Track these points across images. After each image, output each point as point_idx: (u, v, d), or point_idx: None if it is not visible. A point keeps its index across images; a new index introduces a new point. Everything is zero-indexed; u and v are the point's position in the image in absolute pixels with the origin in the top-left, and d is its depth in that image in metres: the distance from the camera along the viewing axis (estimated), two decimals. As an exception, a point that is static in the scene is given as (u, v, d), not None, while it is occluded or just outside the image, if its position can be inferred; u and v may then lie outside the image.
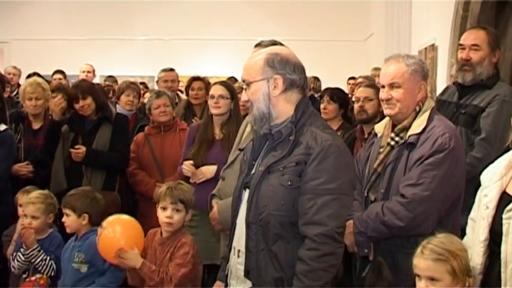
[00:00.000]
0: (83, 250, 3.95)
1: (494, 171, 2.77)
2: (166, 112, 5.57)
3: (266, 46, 3.22)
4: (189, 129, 5.19)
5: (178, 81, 7.23)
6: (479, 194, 2.83)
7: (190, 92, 6.64)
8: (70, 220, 4.04)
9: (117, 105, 6.28)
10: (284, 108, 2.83)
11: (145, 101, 6.87)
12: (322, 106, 5.41)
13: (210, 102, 4.80)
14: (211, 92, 4.84)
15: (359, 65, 11.07)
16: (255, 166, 2.91)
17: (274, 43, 3.37)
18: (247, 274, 2.83)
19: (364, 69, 9.59)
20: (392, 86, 3.29)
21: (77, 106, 5.23)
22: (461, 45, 4.22)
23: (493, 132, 3.92)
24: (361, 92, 5.04)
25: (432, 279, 2.61)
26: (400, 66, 3.27)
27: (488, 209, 2.70)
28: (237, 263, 2.91)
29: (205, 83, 6.71)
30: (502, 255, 2.57)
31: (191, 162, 4.69)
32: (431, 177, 3.08)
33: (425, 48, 7.96)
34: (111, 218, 3.69)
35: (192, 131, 5.03)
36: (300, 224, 2.71)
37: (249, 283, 2.84)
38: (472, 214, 2.90)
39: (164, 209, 3.67)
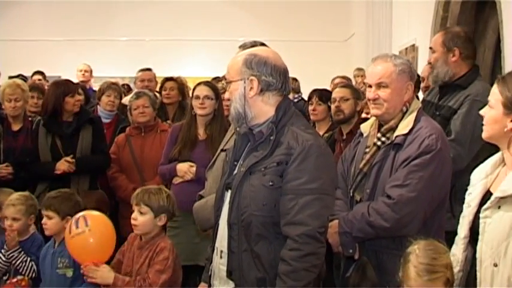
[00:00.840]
0: (66, 254, 3.89)
1: (481, 170, 2.77)
2: (145, 113, 5.53)
3: (250, 47, 3.21)
4: (172, 128, 5.16)
5: (156, 82, 7.18)
6: (467, 192, 2.84)
7: (162, 92, 6.65)
8: (52, 223, 3.98)
9: (98, 106, 6.21)
10: (262, 109, 2.83)
11: (127, 99, 6.85)
12: (311, 108, 5.39)
13: (195, 102, 4.78)
14: (196, 93, 4.82)
15: (340, 65, 11.09)
16: (237, 167, 2.91)
17: (261, 44, 3.35)
18: (229, 275, 2.82)
19: (345, 70, 9.61)
20: (379, 85, 3.28)
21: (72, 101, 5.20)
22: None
23: (461, 133, 3.90)
24: (337, 93, 5.04)
25: None
26: (388, 66, 3.26)
27: (470, 207, 2.71)
28: (219, 264, 2.91)
29: (178, 83, 6.71)
30: (477, 254, 2.58)
31: (191, 164, 4.69)
32: (418, 178, 3.07)
33: (406, 49, 8.01)
34: (94, 221, 3.64)
35: (175, 130, 5.01)
36: (282, 224, 2.71)
37: (232, 284, 2.83)
38: (464, 212, 2.90)
39: (133, 210, 3.70)
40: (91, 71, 9.11)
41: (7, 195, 4.45)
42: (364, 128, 3.51)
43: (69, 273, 3.89)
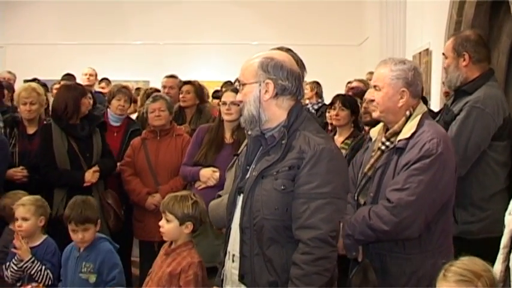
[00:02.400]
0: (91, 259, 3.94)
1: None
2: (161, 116, 5.56)
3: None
4: (198, 129, 5.22)
5: (179, 88, 7.19)
6: None
7: (180, 95, 6.71)
8: (90, 233, 4.02)
9: (108, 110, 6.21)
10: (275, 112, 2.84)
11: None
12: (333, 113, 5.37)
13: (222, 108, 4.89)
14: (223, 99, 4.93)
15: (353, 70, 11.06)
16: (249, 171, 2.92)
17: (288, 50, 3.35)
18: (241, 278, 2.83)
19: (358, 74, 9.58)
20: (375, 87, 3.35)
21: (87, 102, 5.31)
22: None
23: (456, 140, 3.82)
24: (367, 94, 4.99)
25: None
26: (385, 70, 3.30)
27: (511, 215, 2.66)
28: (231, 268, 2.92)
29: (195, 87, 6.78)
30: (511, 264, 2.53)
31: (214, 169, 4.72)
32: (417, 182, 3.08)
33: (420, 53, 7.97)
34: None
35: (201, 131, 5.08)
36: (294, 228, 2.72)
37: (244, 287, 2.84)
38: (510, 208, 2.84)
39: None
40: (96, 75, 9.14)
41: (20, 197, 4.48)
42: (373, 132, 3.55)
43: (92, 279, 3.92)
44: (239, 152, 3.71)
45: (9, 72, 8.95)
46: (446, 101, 4.50)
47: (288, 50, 3.36)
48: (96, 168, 5.17)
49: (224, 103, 4.88)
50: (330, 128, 5.91)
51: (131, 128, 6.08)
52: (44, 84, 7.32)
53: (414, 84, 3.29)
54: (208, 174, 4.77)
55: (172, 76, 7.29)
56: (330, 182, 2.71)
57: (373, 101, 3.40)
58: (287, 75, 2.82)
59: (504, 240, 2.65)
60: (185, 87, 6.71)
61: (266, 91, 2.82)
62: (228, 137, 4.90)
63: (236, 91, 4.82)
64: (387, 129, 3.37)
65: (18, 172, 5.24)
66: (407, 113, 3.28)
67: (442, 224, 3.22)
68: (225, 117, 4.88)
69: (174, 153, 5.48)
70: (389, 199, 3.11)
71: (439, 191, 3.14)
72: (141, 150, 5.55)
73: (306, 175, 2.71)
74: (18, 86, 6.49)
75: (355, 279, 3.28)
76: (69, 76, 8.81)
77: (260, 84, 2.82)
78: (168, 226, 3.64)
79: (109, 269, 3.91)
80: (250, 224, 2.79)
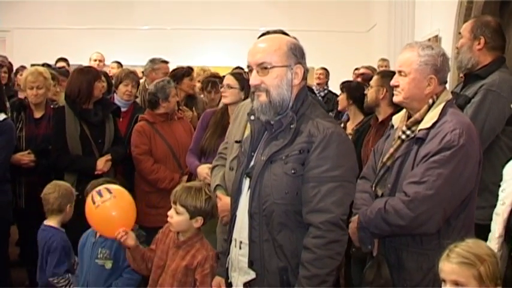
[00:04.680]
0: (107, 246, 3.91)
1: None
2: (177, 101, 5.70)
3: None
4: (204, 114, 5.20)
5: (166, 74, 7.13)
6: (500, 189, 2.75)
7: (187, 81, 6.63)
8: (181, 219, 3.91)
9: (115, 95, 6.15)
10: (292, 97, 2.83)
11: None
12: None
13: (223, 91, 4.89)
14: (223, 82, 4.93)
15: (361, 56, 11.02)
16: (255, 156, 2.90)
17: (281, 33, 3.32)
18: (251, 265, 2.82)
19: (366, 60, 9.54)
20: (400, 73, 3.20)
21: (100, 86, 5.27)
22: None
23: (472, 122, 3.84)
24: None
25: (457, 283, 2.50)
26: (412, 55, 3.15)
27: (505, 205, 2.63)
28: (239, 255, 2.90)
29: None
30: None
31: (210, 166, 4.57)
32: (436, 176, 2.92)
33: (429, 39, 7.92)
34: (116, 189, 3.61)
35: (207, 116, 5.06)
36: (304, 212, 2.71)
37: (252, 274, 2.83)
38: (497, 209, 2.83)
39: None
40: (104, 60, 9.10)
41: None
42: (395, 120, 3.41)
43: (108, 264, 3.90)
44: (240, 139, 3.70)
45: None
46: (454, 88, 4.45)
47: (281, 33, 3.32)
48: (108, 157, 5.13)
49: (222, 86, 4.92)
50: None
51: (138, 113, 5.99)
52: (54, 69, 7.24)
53: (442, 71, 3.15)
54: (204, 173, 4.65)
55: (166, 61, 7.11)
56: (340, 166, 2.71)
57: (397, 86, 3.22)
58: (305, 60, 2.86)
59: (499, 230, 2.63)
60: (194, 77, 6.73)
61: (296, 75, 2.80)
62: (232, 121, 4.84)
63: (235, 75, 4.83)
64: (409, 117, 3.24)
65: (25, 157, 5.24)
66: (430, 100, 3.13)
67: (463, 219, 3.07)
68: (222, 100, 4.91)
69: (186, 135, 5.46)
70: (406, 192, 2.98)
71: (460, 185, 2.99)
72: (155, 135, 5.45)
73: (316, 159, 2.70)
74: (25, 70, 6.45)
75: (368, 273, 3.21)
76: (62, 60, 8.81)
77: (292, 68, 2.79)
78: (177, 218, 3.51)
79: (125, 256, 3.84)
80: (260, 210, 2.77)
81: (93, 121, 5.17)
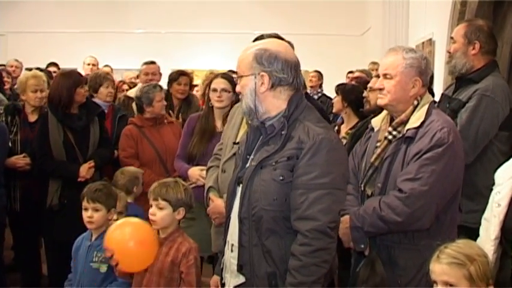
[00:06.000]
0: (103, 249, 3.88)
1: (507, 168, 2.71)
2: (165, 105, 5.61)
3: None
4: (189, 119, 5.15)
5: (160, 74, 7.06)
6: (493, 192, 2.78)
7: (175, 85, 6.56)
8: (100, 215, 3.92)
9: (95, 98, 6.00)
10: (273, 103, 2.81)
11: (132, 92, 6.81)
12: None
13: (213, 95, 4.78)
14: (213, 85, 4.81)
15: (356, 60, 11.05)
16: (249, 161, 2.90)
17: (276, 37, 3.33)
18: (240, 269, 2.82)
19: (360, 64, 9.57)
20: (385, 76, 3.28)
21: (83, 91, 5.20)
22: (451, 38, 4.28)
23: (466, 127, 3.87)
24: (371, 83, 4.91)
25: (447, 284, 2.52)
26: (397, 58, 3.24)
27: (500, 207, 2.65)
28: (230, 257, 2.90)
29: (190, 78, 6.72)
30: None
31: (202, 168, 4.60)
32: (430, 172, 3.03)
33: (423, 43, 7.96)
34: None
35: (192, 121, 5.00)
36: (292, 219, 2.69)
37: (242, 278, 2.82)
38: (486, 214, 2.86)
39: (151, 206, 3.63)
40: (98, 64, 9.11)
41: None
42: (375, 122, 3.49)
43: (103, 268, 3.84)
44: (238, 140, 3.70)
45: (17, 60, 8.96)
46: (444, 90, 4.48)
47: (275, 37, 3.33)
48: (91, 163, 5.05)
49: (215, 90, 4.78)
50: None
51: (118, 114, 6.05)
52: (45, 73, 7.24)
53: (426, 73, 3.25)
54: (196, 175, 4.65)
55: (152, 62, 7.08)
56: (329, 173, 2.67)
57: (381, 89, 3.30)
58: (282, 66, 2.78)
59: (495, 232, 2.65)
60: (183, 79, 6.60)
61: (262, 83, 2.78)
62: (219, 125, 4.80)
63: (227, 78, 4.80)
64: (392, 119, 3.32)
65: (21, 160, 5.23)
66: (415, 102, 3.24)
67: (450, 214, 3.19)
68: (216, 104, 4.78)
69: (175, 140, 5.42)
70: (402, 189, 3.06)
71: (451, 180, 3.12)
72: (143, 139, 5.44)
73: (305, 165, 2.68)
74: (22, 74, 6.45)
75: (363, 272, 3.23)
76: (53, 65, 8.83)
77: (255, 77, 2.79)
78: (160, 214, 3.55)
79: None
80: (249, 215, 2.77)
81: (76, 126, 5.11)
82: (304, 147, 2.68)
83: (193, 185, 4.59)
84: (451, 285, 2.51)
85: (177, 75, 6.65)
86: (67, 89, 5.06)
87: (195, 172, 4.67)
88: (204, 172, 4.49)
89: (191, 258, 3.51)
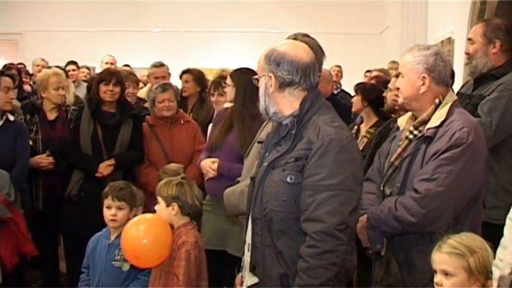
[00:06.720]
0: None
1: None
2: (170, 107, 5.50)
3: (293, 39, 3.15)
4: (218, 112, 5.17)
5: (169, 75, 7.09)
6: None
7: (182, 83, 6.62)
8: (123, 214, 3.99)
9: None
10: (284, 104, 2.81)
11: (142, 92, 6.81)
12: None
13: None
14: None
15: (374, 58, 10.99)
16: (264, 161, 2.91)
17: (305, 36, 3.33)
18: (253, 269, 2.82)
19: (379, 63, 9.52)
20: (400, 75, 3.31)
21: (105, 89, 5.23)
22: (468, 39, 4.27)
23: (487, 116, 3.84)
24: (391, 83, 4.88)
25: (446, 273, 2.55)
26: (408, 56, 3.25)
27: None
28: (248, 257, 2.91)
29: (194, 75, 6.65)
30: None
31: (214, 160, 4.58)
32: (447, 173, 2.97)
33: (442, 42, 7.90)
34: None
35: (220, 113, 5.01)
36: (301, 221, 2.67)
37: (255, 278, 2.83)
38: (511, 213, 2.83)
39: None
40: (115, 63, 9.15)
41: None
42: (401, 121, 3.45)
43: (126, 266, 3.88)
44: (259, 139, 3.70)
45: (42, 60, 9.06)
46: (459, 89, 4.45)
47: (305, 36, 3.33)
48: (111, 161, 5.14)
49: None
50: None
51: (141, 113, 6.06)
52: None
53: (436, 70, 3.18)
54: (206, 167, 4.60)
55: (162, 64, 7.10)
56: (338, 174, 2.63)
57: (398, 88, 3.33)
58: (288, 67, 2.76)
59: None
60: (184, 77, 6.61)
61: (271, 84, 2.79)
62: None
63: (231, 74, 4.83)
64: (416, 118, 3.29)
65: (44, 159, 5.27)
66: (437, 101, 3.18)
67: (471, 217, 3.12)
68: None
69: (187, 140, 5.44)
70: (417, 189, 3.01)
71: (469, 182, 3.05)
72: (152, 138, 5.47)
73: (313, 166, 2.65)
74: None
75: (377, 271, 3.22)
76: (72, 63, 8.89)
77: (265, 78, 2.81)
78: (158, 208, 3.74)
79: None
80: (261, 215, 2.77)
81: (106, 124, 5.23)
82: (313, 148, 2.67)
83: (207, 178, 4.59)
84: (449, 274, 2.55)
85: (181, 73, 6.71)
86: (94, 84, 5.31)
87: (206, 164, 4.60)
88: (216, 164, 4.50)
89: (182, 252, 3.57)
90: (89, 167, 5.14)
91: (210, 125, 5.48)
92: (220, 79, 5.51)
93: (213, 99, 5.53)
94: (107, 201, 3.99)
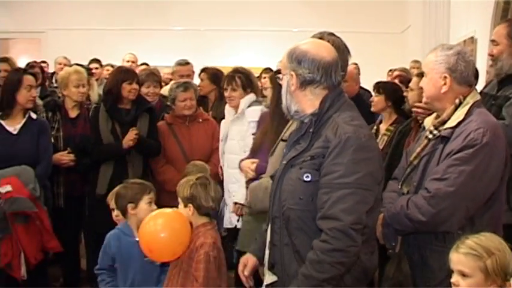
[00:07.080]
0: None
1: None
2: (191, 106, 5.53)
3: (319, 38, 3.15)
4: (263, 113, 5.03)
5: (193, 72, 7.06)
6: None
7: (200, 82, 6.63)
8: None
9: None
10: (305, 102, 2.81)
11: (166, 89, 6.82)
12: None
13: None
14: None
15: (395, 58, 10.93)
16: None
17: (331, 34, 3.33)
18: (271, 268, 2.83)
19: (400, 62, 9.46)
20: (423, 75, 3.32)
21: (129, 88, 5.31)
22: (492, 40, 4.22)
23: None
24: (411, 83, 4.87)
25: (463, 274, 2.54)
26: (431, 56, 3.24)
27: None
28: (267, 255, 2.92)
29: (208, 74, 6.67)
30: None
31: (253, 160, 4.55)
32: (458, 173, 2.95)
33: (464, 41, 7.84)
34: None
35: (264, 115, 4.90)
36: (317, 218, 2.66)
37: (274, 277, 2.84)
38: None
39: None
40: (137, 61, 9.19)
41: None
42: (427, 122, 3.43)
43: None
44: (284, 138, 3.69)
45: (65, 58, 9.16)
46: (483, 88, 4.40)
47: (331, 35, 3.32)
48: (136, 131, 5.20)
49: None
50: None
51: (164, 111, 6.06)
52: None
53: (458, 70, 3.16)
54: (246, 167, 4.57)
55: (187, 63, 7.03)
56: (354, 172, 2.61)
57: (421, 88, 3.34)
58: (308, 66, 2.75)
59: None
60: (200, 75, 6.66)
61: (292, 83, 2.79)
62: None
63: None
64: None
65: (65, 156, 5.30)
66: (457, 101, 3.16)
67: (487, 220, 3.07)
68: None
69: (206, 138, 5.45)
70: (428, 189, 3.02)
71: (484, 183, 3.00)
72: (170, 136, 5.49)
73: (330, 164, 2.64)
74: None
75: (389, 268, 3.23)
76: (95, 61, 8.95)
77: (287, 76, 2.81)
78: (179, 207, 3.75)
79: None
80: (280, 214, 2.77)
81: (123, 120, 5.30)
82: (330, 146, 2.66)
83: (247, 178, 4.58)
84: (466, 275, 2.53)
85: (200, 72, 6.73)
86: (114, 82, 5.34)
87: (246, 164, 4.58)
88: (255, 165, 4.47)
89: (201, 253, 3.55)
90: (115, 149, 5.22)
91: (222, 121, 5.47)
92: (233, 73, 5.42)
93: (226, 94, 5.41)
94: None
